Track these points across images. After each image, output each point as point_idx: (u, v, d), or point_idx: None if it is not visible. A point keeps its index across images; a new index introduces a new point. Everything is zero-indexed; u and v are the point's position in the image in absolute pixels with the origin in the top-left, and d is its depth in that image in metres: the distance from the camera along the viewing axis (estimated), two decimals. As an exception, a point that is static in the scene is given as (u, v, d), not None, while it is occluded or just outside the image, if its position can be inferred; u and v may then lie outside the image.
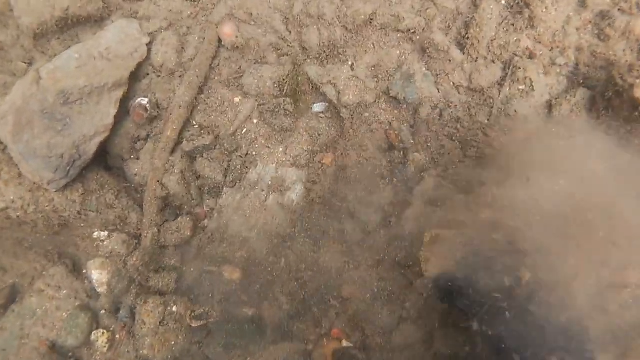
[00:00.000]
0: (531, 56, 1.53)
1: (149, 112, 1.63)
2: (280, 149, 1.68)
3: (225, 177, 1.65)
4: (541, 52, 1.53)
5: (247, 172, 1.68)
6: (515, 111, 1.50)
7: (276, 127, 1.66)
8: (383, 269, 1.64)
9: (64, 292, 1.58)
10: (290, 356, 1.56)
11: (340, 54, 1.62)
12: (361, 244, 1.65)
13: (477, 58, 1.55)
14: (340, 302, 1.67)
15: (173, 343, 1.55)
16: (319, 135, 1.67)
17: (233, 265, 1.63)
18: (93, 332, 1.54)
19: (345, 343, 1.59)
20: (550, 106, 1.51)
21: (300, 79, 1.63)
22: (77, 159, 1.53)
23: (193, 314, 1.54)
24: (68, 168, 1.50)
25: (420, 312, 1.51)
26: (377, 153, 1.63)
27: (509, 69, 1.53)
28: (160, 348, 1.53)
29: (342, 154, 1.68)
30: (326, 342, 1.61)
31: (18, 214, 1.43)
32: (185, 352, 1.56)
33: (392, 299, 1.60)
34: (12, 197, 1.44)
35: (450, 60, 1.56)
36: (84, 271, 1.61)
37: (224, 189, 1.67)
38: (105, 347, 1.53)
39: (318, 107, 1.67)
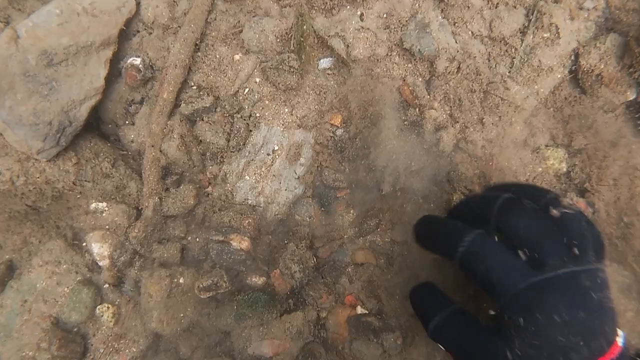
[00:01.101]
0: (556, 0, 1.40)
1: (142, 73, 1.50)
2: (286, 110, 1.57)
3: (228, 141, 1.55)
4: (567, -5, 1.40)
5: (251, 135, 1.57)
6: (540, 61, 1.39)
7: (280, 85, 1.54)
8: (397, 232, 1.58)
9: (64, 266, 1.50)
10: (303, 324, 1.51)
11: (348, 2, 1.48)
12: (374, 206, 1.58)
13: (497, 3, 1.43)
14: (353, 267, 1.61)
15: (182, 315, 1.49)
16: (327, 93, 1.55)
17: (241, 234, 1.55)
18: (97, 307, 1.48)
19: (360, 310, 1.55)
20: (577, 55, 1.40)
21: (305, 31, 1.49)
22: (68, 125, 1.41)
23: (201, 285, 1.48)
24: (58, 136, 1.39)
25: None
26: (390, 111, 1.53)
27: (532, 14, 1.41)
28: (168, 321, 1.48)
29: (352, 113, 1.57)
30: (340, 309, 1.57)
31: (6, 186, 1.33)
32: (195, 325, 1.51)
33: (407, 263, 1.54)
34: (-1, 169, 1.34)
35: (468, 7, 1.43)
36: (84, 244, 1.53)
37: (228, 153, 1.57)
38: (111, 321, 1.47)
39: (325, 63, 1.54)
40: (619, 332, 0.78)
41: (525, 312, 0.77)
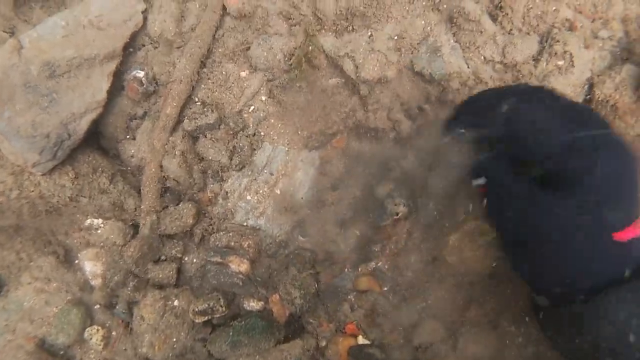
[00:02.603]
0: (571, 28, 1.38)
1: (144, 86, 1.47)
2: (291, 129, 1.53)
3: (231, 159, 1.51)
4: (582, 24, 1.38)
5: (254, 154, 1.53)
6: (553, 89, 1.36)
7: (287, 104, 1.50)
8: (402, 259, 1.52)
9: (54, 284, 1.44)
10: (302, 354, 1.44)
11: (359, 23, 1.46)
12: (379, 231, 1.53)
13: (511, 29, 1.40)
14: (355, 295, 1.55)
15: (175, 340, 1.42)
16: (334, 114, 1.51)
17: (240, 256, 1.49)
18: (87, 329, 1.41)
19: (361, 340, 1.48)
20: (591, 84, 1.37)
21: (313, 51, 1.47)
22: (66, 139, 1.37)
23: (196, 309, 1.41)
24: (55, 149, 1.34)
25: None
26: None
27: (546, 42, 1.38)
28: (160, 346, 1.40)
29: (357, 135, 1.54)
30: (341, 338, 1.50)
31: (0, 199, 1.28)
32: (188, 350, 1.43)
33: (413, 293, 1.48)
34: (-8, 181, 1.29)
35: (481, 32, 1.41)
36: (76, 262, 1.47)
37: (230, 172, 1.52)
38: (100, 345, 1.40)
39: (333, 83, 1.51)
40: None
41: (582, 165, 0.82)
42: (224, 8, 1.50)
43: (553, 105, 0.92)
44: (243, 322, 1.44)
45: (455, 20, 1.41)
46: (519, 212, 0.88)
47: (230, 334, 1.42)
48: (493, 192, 0.95)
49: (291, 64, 1.47)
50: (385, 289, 1.52)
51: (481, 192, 0.99)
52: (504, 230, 0.96)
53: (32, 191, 1.32)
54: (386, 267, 1.53)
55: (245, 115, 1.54)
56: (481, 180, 0.97)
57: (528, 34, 1.40)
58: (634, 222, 0.81)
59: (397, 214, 1.45)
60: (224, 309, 1.43)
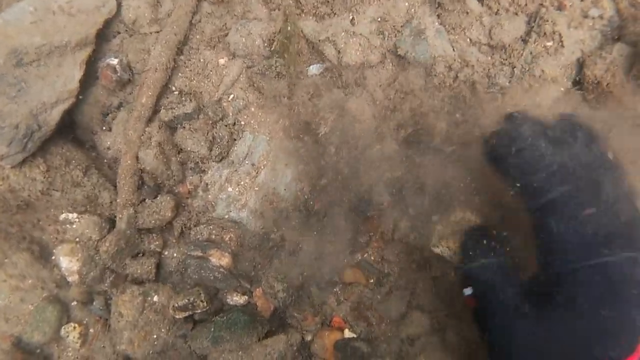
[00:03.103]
0: (560, 7, 1.33)
1: (119, 74, 1.42)
2: (272, 118, 1.48)
3: (210, 150, 1.45)
4: (571, 3, 1.33)
5: (235, 145, 1.48)
6: (542, 71, 1.31)
7: (267, 92, 1.45)
8: (389, 251, 1.48)
9: (29, 281, 1.39)
10: (286, 349, 1.40)
11: (339, 6, 1.40)
12: (366, 223, 1.48)
13: (497, 10, 1.35)
14: (341, 287, 1.51)
15: (155, 337, 1.38)
16: (316, 100, 1.46)
17: (221, 250, 1.45)
18: (63, 327, 1.37)
19: (348, 333, 1.44)
20: (582, 65, 1.32)
21: (293, 36, 1.41)
22: (36, 130, 1.31)
23: (177, 305, 1.37)
24: (25, 140, 1.29)
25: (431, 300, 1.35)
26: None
27: (534, 22, 1.33)
28: (140, 343, 1.36)
29: (341, 121, 1.48)
30: (327, 332, 1.46)
31: (-35, 194, 1.23)
32: (168, 347, 1.39)
33: (400, 285, 1.44)
34: (-41, 175, 1.24)
35: (467, 13, 1.35)
36: (52, 258, 1.42)
37: (210, 163, 1.47)
38: (77, 342, 1.36)
39: (314, 69, 1.46)
40: None
41: (577, 290, 0.75)
42: (201, -8, 1.44)
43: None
44: (225, 317, 1.40)
45: (440, 1, 1.36)
46: (507, 331, 0.81)
47: (212, 329, 1.38)
48: (482, 306, 0.89)
49: (273, 49, 1.42)
50: (372, 281, 1.48)
51: (469, 303, 0.92)
52: (490, 344, 0.88)
53: (1, 185, 1.27)
54: (372, 258, 1.49)
55: (224, 104, 1.49)
56: (469, 291, 0.91)
57: (516, 14, 1.34)
58: (635, 351, 0.70)
59: (382, 204, 1.40)
60: (205, 304, 1.39)
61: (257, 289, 1.48)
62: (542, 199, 0.80)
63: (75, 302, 1.40)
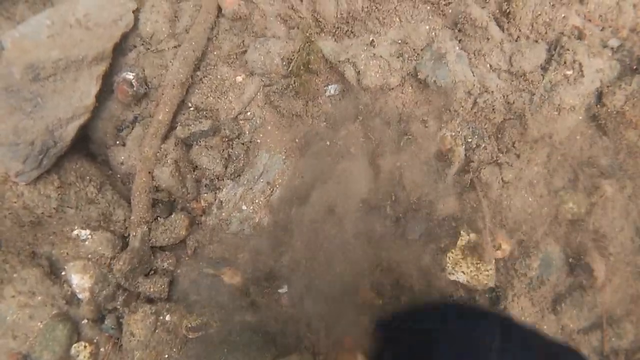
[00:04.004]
0: (580, 36, 1.34)
1: (135, 88, 1.40)
2: (289, 136, 1.47)
3: (226, 168, 1.44)
4: (591, 32, 1.34)
5: (250, 163, 1.47)
6: (561, 99, 1.32)
7: (284, 111, 1.44)
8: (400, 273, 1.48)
9: (39, 298, 1.37)
10: (299, 371, 1.39)
11: (360, 27, 1.40)
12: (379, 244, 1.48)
13: (518, 37, 1.35)
14: (353, 307, 1.50)
15: (166, 357, 1.36)
16: (333, 121, 1.46)
17: (234, 268, 1.43)
18: (73, 345, 1.34)
19: (360, 358, 1.43)
20: (600, 94, 1.33)
21: (312, 56, 1.40)
22: (52, 146, 1.29)
23: (189, 324, 1.36)
24: (40, 157, 1.27)
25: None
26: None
27: (554, 50, 1.34)
28: (151, 363, 1.35)
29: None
30: (338, 354, 1.45)
31: (-21, 212, 1.20)
32: (181, 366, 1.38)
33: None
34: (-28, 191, 1.21)
35: (487, 39, 1.35)
36: (63, 274, 1.40)
37: (225, 181, 1.46)
38: (88, 362, 1.34)
39: (332, 89, 1.45)
40: None
41: None
42: (219, 9, 1.43)
43: None
44: (238, 338, 1.39)
45: (460, 26, 1.36)
46: None
47: (225, 351, 1.36)
48: None
49: (291, 69, 1.41)
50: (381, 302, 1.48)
51: None
52: None
53: (15, 202, 1.25)
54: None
55: (241, 121, 1.48)
56: None
57: (536, 41, 1.35)
58: None
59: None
60: (218, 324, 1.38)
61: (269, 309, 1.47)
62: None
63: (85, 320, 1.38)
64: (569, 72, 1.32)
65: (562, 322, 1.36)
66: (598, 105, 1.33)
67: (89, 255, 1.38)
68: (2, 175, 1.24)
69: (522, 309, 1.34)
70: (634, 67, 1.32)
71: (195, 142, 1.44)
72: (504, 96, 1.37)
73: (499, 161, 1.37)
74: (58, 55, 1.30)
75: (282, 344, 1.44)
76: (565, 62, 1.31)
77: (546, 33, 1.34)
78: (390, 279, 1.40)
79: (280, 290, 1.43)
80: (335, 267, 1.37)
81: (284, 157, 1.48)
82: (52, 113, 1.29)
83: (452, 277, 1.36)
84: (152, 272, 1.42)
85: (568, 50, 1.31)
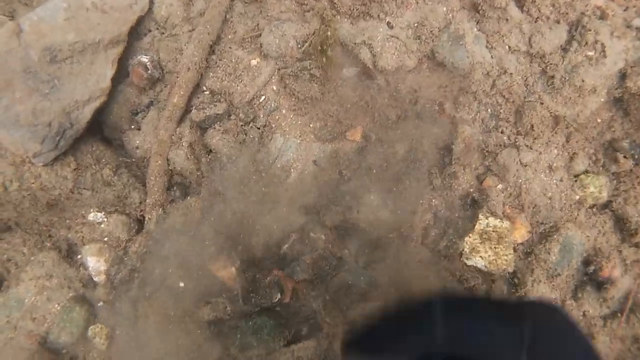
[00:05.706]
0: (602, 16, 1.31)
1: (150, 71, 1.40)
2: (304, 120, 1.46)
3: (240, 151, 1.43)
4: (613, 12, 1.30)
5: (265, 147, 1.46)
6: (583, 80, 1.29)
7: (299, 94, 1.43)
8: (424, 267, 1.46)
9: (56, 281, 1.38)
10: (315, 355, 1.38)
11: (376, 9, 1.38)
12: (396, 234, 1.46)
13: (538, 17, 1.33)
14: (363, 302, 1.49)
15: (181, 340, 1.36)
16: (349, 105, 1.44)
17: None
18: (90, 327, 1.35)
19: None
20: (624, 76, 1.30)
21: (328, 38, 1.39)
22: (68, 128, 1.30)
23: (205, 317, 1.36)
24: (57, 138, 1.27)
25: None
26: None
27: (576, 31, 1.31)
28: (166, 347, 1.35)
29: (374, 127, 1.47)
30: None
31: (-2, 191, 1.21)
32: (194, 350, 1.38)
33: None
34: (-9, 172, 1.22)
35: (506, 20, 1.33)
36: (79, 257, 1.40)
37: (239, 165, 1.45)
38: (104, 344, 1.34)
39: (349, 72, 1.44)
40: None
41: None
42: (234, -8, 1.42)
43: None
44: (251, 322, 1.39)
45: (479, 7, 1.34)
46: None
47: (239, 335, 1.36)
48: None
49: (305, 51, 1.40)
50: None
51: None
52: None
53: (33, 183, 1.25)
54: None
55: (255, 105, 1.47)
56: None
57: (557, 22, 1.32)
58: None
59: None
60: (230, 308, 1.37)
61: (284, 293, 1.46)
62: None
63: (102, 303, 1.38)
64: (591, 53, 1.29)
65: (583, 308, 1.33)
66: (621, 87, 1.30)
67: (105, 238, 1.38)
68: (21, 157, 1.25)
69: (541, 294, 1.32)
70: (659, 47, 1.29)
71: (210, 126, 1.43)
72: (523, 78, 1.34)
73: (517, 143, 1.34)
74: (74, 38, 1.31)
75: (299, 329, 1.43)
76: (586, 43, 1.29)
77: (567, 13, 1.31)
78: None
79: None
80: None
81: (298, 142, 1.47)
82: (68, 95, 1.30)
83: (470, 262, 1.34)
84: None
85: (590, 30, 1.28)
